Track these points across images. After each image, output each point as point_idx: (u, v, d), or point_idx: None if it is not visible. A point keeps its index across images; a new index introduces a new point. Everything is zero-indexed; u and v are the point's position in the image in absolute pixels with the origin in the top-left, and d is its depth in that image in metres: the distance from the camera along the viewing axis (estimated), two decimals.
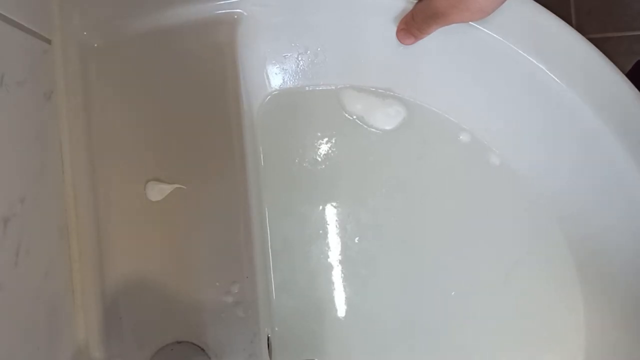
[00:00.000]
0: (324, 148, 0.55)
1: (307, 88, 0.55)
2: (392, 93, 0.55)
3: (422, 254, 0.56)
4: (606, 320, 0.54)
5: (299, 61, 0.54)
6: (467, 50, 0.51)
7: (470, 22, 0.48)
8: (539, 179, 0.55)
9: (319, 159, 0.55)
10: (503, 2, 0.43)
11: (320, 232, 0.55)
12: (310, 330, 0.55)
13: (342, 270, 0.55)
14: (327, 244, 0.55)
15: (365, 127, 0.56)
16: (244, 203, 0.50)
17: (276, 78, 0.55)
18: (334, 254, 0.55)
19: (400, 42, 0.51)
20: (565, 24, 0.49)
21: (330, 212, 0.56)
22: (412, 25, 0.49)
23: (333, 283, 0.55)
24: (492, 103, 0.54)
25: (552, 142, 0.53)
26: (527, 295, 0.56)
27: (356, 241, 0.56)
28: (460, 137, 0.56)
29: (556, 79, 0.49)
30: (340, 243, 0.56)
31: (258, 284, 0.50)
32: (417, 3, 0.48)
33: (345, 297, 0.55)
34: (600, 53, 0.49)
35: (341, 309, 0.56)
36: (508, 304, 0.56)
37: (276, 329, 0.54)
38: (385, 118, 0.55)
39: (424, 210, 0.56)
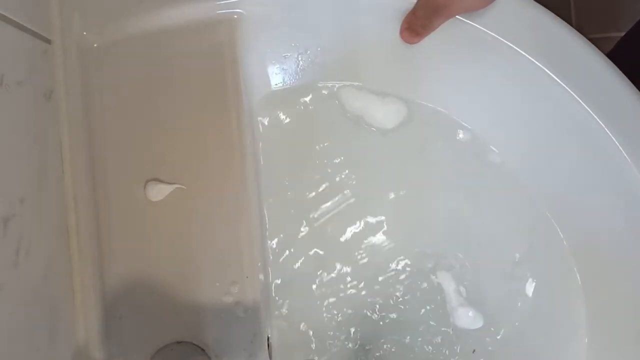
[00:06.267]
0: (324, 147, 0.55)
1: (307, 87, 0.55)
2: (391, 92, 0.55)
3: (423, 252, 0.56)
4: (607, 315, 0.54)
5: (299, 61, 0.54)
6: (467, 49, 0.51)
7: (470, 22, 0.48)
8: (538, 177, 0.55)
9: (319, 159, 0.55)
10: None
11: (321, 231, 0.55)
12: (310, 330, 0.55)
13: (342, 270, 0.55)
14: (328, 243, 0.55)
15: (365, 126, 0.56)
16: (244, 203, 0.50)
17: (276, 78, 0.55)
18: (334, 254, 0.55)
19: (406, 41, 0.50)
20: (565, 24, 0.49)
21: (330, 212, 0.56)
22: (416, 23, 0.48)
23: (333, 283, 0.55)
24: (491, 102, 0.54)
25: (552, 140, 0.53)
26: (527, 293, 0.56)
27: (357, 240, 0.56)
28: (460, 135, 0.56)
29: (556, 78, 0.49)
30: (340, 243, 0.56)
31: (258, 284, 0.50)
32: (418, 0, 0.48)
33: (346, 297, 0.55)
34: (600, 53, 0.49)
35: (341, 309, 0.55)
36: (509, 303, 0.56)
37: (276, 329, 0.54)
38: (385, 117, 0.55)
39: (424, 209, 0.56)
